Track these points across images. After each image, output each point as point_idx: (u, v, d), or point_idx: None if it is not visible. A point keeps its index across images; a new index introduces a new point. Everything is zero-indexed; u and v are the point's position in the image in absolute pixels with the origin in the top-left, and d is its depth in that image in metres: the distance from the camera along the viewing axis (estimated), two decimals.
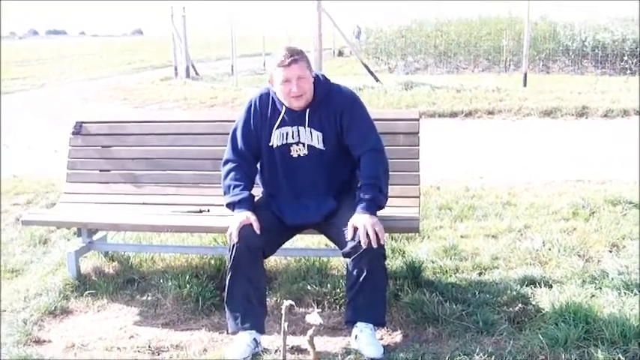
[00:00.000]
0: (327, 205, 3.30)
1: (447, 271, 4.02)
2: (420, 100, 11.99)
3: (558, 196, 5.68)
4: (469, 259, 4.23)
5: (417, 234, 4.49)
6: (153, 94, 15.37)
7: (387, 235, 3.79)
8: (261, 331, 3.18)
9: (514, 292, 3.63)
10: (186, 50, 19.00)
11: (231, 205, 3.26)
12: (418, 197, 3.79)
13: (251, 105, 3.37)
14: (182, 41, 18.92)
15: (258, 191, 3.47)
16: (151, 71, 23.84)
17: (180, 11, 19.07)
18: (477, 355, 2.99)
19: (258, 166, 3.44)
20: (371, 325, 3.14)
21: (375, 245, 3.02)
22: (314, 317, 2.72)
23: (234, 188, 3.28)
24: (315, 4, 13.47)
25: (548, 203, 5.41)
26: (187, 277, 3.82)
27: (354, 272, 3.09)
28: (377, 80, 14.75)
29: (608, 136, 9.06)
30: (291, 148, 3.30)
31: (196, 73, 19.58)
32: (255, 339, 3.13)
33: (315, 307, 3.58)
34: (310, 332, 2.78)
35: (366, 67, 15.84)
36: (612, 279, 3.74)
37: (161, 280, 3.91)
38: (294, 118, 3.28)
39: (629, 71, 17.57)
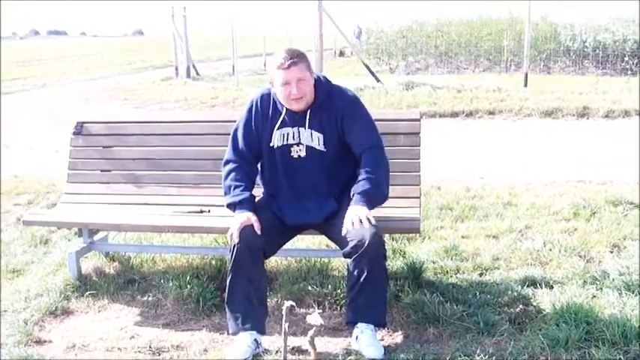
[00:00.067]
0: (328, 206, 3.31)
1: (447, 272, 4.01)
2: (420, 100, 11.99)
3: (559, 196, 5.67)
4: (470, 259, 4.23)
5: (418, 234, 4.48)
6: (154, 94, 15.37)
7: (387, 235, 3.81)
8: (261, 331, 3.18)
9: (515, 293, 3.63)
10: (187, 50, 19.00)
11: (232, 206, 3.26)
12: (419, 197, 3.78)
13: (252, 105, 3.37)
14: (183, 41, 18.92)
15: (258, 191, 3.47)
16: (152, 71, 23.86)
17: (181, 11, 19.09)
18: (478, 355, 2.99)
19: (259, 166, 3.44)
20: (372, 326, 3.14)
21: (366, 226, 3.02)
22: (315, 318, 2.72)
23: (234, 189, 3.28)
24: (316, 4, 13.47)
25: (549, 204, 5.41)
26: (188, 278, 3.82)
27: (355, 273, 3.08)
28: (378, 80, 14.75)
29: (609, 136, 9.05)
30: (292, 149, 3.30)
31: (197, 74, 19.59)
32: (255, 339, 3.13)
33: (316, 307, 3.58)
34: (311, 333, 2.78)
35: (367, 67, 15.84)
36: (613, 280, 3.74)
37: (162, 281, 3.91)
38: (295, 119, 3.28)
39: (629, 72, 17.56)
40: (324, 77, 3.38)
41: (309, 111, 3.27)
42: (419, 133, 3.86)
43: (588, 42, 19.59)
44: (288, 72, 3.15)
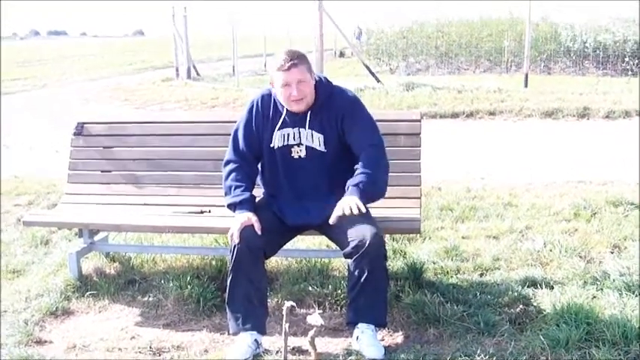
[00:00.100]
0: (329, 206, 3.29)
1: (448, 272, 4.01)
2: (421, 101, 11.99)
3: (559, 197, 5.67)
4: (470, 260, 4.23)
5: (418, 235, 4.48)
6: (154, 94, 15.38)
7: (388, 235, 3.81)
8: (262, 331, 3.18)
9: (515, 293, 3.63)
10: (188, 51, 19.00)
11: (233, 206, 3.26)
12: (419, 198, 3.78)
13: (253, 106, 3.37)
14: (183, 42, 18.92)
15: (258, 192, 3.47)
16: (152, 72, 23.86)
17: (182, 11, 19.09)
18: (478, 356, 2.99)
19: (259, 166, 3.44)
20: (372, 326, 3.14)
21: (355, 212, 3.02)
22: (315, 318, 2.72)
23: (235, 189, 3.28)
24: (316, 4, 13.47)
25: (550, 204, 5.41)
26: (188, 278, 3.82)
27: (356, 273, 3.09)
28: (378, 81, 14.75)
29: (609, 137, 9.05)
30: (292, 149, 3.30)
31: (197, 74, 19.59)
32: (256, 340, 3.13)
33: (317, 308, 3.58)
34: (311, 333, 2.78)
35: (368, 68, 15.84)
36: (613, 280, 3.74)
37: (162, 281, 3.91)
38: (296, 119, 3.28)
39: (630, 72, 17.57)
40: (325, 78, 3.38)
41: (309, 112, 3.27)
42: (419, 133, 3.86)
43: (589, 42, 19.59)
44: (288, 73, 3.15)
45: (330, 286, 3.76)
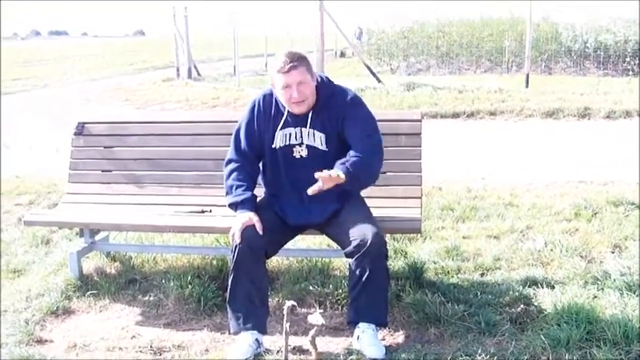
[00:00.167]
0: (331, 206, 3.31)
1: (448, 272, 4.01)
2: (422, 101, 11.99)
3: (560, 197, 5.67)
4: (471, 259, 4.23)
5: (419, 235, 4.48)
6: (155, 94, 15.38)
7: (388, 235, 3.81)
8: (263, 331, 3.18)
9: (516, 293, 3.63)
10: (189, 51, 19.00)
11: (234, 206, 3.26)
12: (420, 198, 3.78)
13: (254, 105, 3.37)
14: (184, 42, 18.92)
15: (259, 191, 3.47)
16: (153, 72, 23.87)
17: (183, 11, 19.09)
18: (479, 355, 2.99)
19: (261, 166, 3.44)
20: (373, 326, 3.14)
21: (333, 176, 2.97)
22: (316, 318, 2.72)
23: (236, 188, 3.28)
24: (316, 4, 13.47)
25: (551, 204, 5.41)
26: (189, 278, 3.82)
27: (357, 272, 3.09)
28: (379, 81, 14.75)
29: (610, 137, 9.05)
30: (294, 149, 3.30)
31: (198, 74, 19.59)
32: (257, 339, 3.13)
33: (317, 307, 3.58)
34: (312, 333, 2.79)
35: (368, 68, 15.84)
36: (614, 280, 3.73)
37: (163, 281, 3.92)
38: (298, 119, 3.28)
39: (631, 72, 17.57)
40: (326, 77, 3.38)
41: (311, 111, 3.27)
42: (420, 133, 3.86)
43: (589, 43, 19.58)
44: (289, 75, 3.15)
45: (330, 286, 3.76)
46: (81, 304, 3.77)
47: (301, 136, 3.28)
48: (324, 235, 3.52)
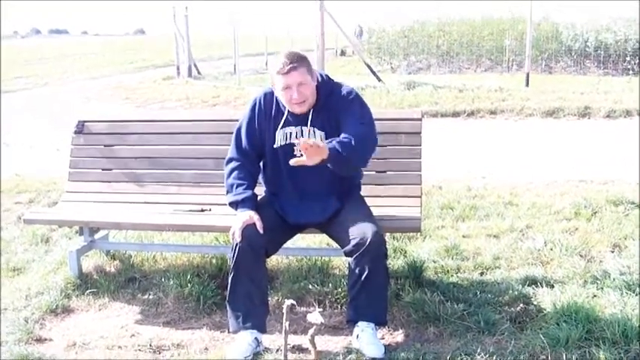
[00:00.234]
0: (331, 205, 3.31)
1: (448, 271, 4.01)
2: (422, 99, 11.98)
3: (560, 196, 5.67)
4: (471, 258, 4.23)
5: (419, 234, 4.48)
6: (155, 93, 15.37)
7: (388, 234, 3.80)
8: (262, 330, 3.18)
9: (516, 292, 3.63)
10: (189, 49, 18.99)
11: (234, 204, 3.26)
12: (420, 197, 3.78)
13: (255, 104, 3.37)
14: (184, 40, 18.91)
15: (259, 190, 3.47)
16: (153, 70, 23.84)
17: (183, 10, 19.09)
18: (479, 354, 2.99)
19: (261, 164, 3.44)
20: (372, 325, 3.14)
21: (310, 142, 2.88)
22: (315, 316, 2.72)
23: (237, 187, 3.28)
24: (317, 3, 13.47)
25: (550, 203, 5.40)
26: (189, 276, 3.82)
27: (356, 271, 3.09)
28: (379, 80, 14.75)
29: (610, 136, 9.05)
30: (295, 147, 3.30)
31: (198, 72, 19.59)
32: (256, 338, 3.13)
33: (317, 306, 3.58)
34: (311, 331, 2.78)
35: (369, 66, 15.84)
36: (614, 279, 3.73)
37: (162, 279, 3.92)
38: (298, 118, 3.28)
39: (631, 72, 17.55)
40: (326, 75, 3.38)
41: (311, 110, 3.26)
42: (420, 132, 3.86)
43: (590, 42, 19.57)
44: (289, 77, 3.15)
45: (330, 285, 3.76)
46: (80, 302, 3.77)
47: (302, 135, 3.28)
48: (323, 234, 3.52)
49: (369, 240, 3.04)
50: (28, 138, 9.71)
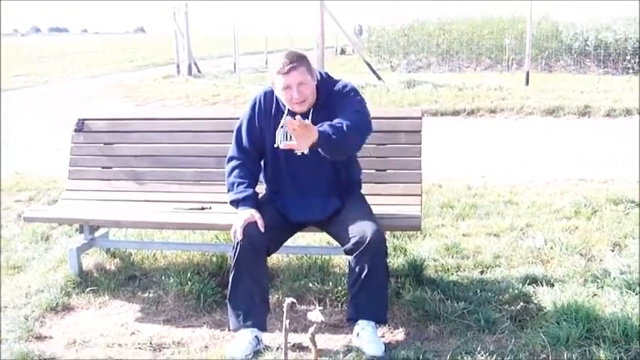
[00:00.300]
0: (332, 203, 3.31)
1: (448, 270, 4.01)
2: (422, 98, 11.98)
3: (560, 194, 5.67)
4: (471, 257, 4.23)
5: (419, 232, 4.48)
6: (155, 91, 15.37)
7: (388, 232, 3.80)
8: (263, 328, 3.18)
9: (516, 291, 3.63)
10: (189, 48, 18.98)
11: (235, 203, 3.26)
12: (420, 195, 3.78)
13: (256, 103, 3.37)
14: (185, 38, 18.90)
15: (260, 188, 3.47)
16: (153, 69, 23.82)
17: (183, 8, 19.08)
18: (479, 353, 2.99)
19: (262, 163, 3.44)
20: (373, 323, 3.14)
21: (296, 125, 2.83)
22: (316, 315, 2.72)
23: (238, 185, 3.28)
24: (317, 3, 13.46)
25: (550, 202, 5.41)
26: (189, 274, 3.82)
27: (356, 269, 3.09)
28: (379, 78, 14.75)
29: (610, 135, 9.05)
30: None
31: (199, 71, 19.58)
32: (256, 336, 3.13)
33: (317, 304, 3.58)
34: (312, 330, 2.78)
35: (369, 65, 15.84)
36: (614, 278, 3.74)
37: (163, 277, 3.92)
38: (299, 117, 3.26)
39: (631, 70, 17.56)
40: (326, 74, 3.37)
41: (312, 109, 3.26)
42: (420, 131, 3.86)
43: (590, 41, 19.56)
44: (289, 77, 3.14)
45: (330, 283, 3.76)
46: (80, 300, 3.77)
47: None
48: (324, 233, 3.52)
49: (369, 238, 3.04)
50: (28, 136, 9.70)
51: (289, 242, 3.54)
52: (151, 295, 3.82)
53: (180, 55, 19.46)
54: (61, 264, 4.20)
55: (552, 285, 3.70)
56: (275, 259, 4.11)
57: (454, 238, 4.50)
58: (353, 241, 3.07)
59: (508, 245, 4.40)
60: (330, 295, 3.67)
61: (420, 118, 3.91)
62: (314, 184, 3.32)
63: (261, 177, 3.47)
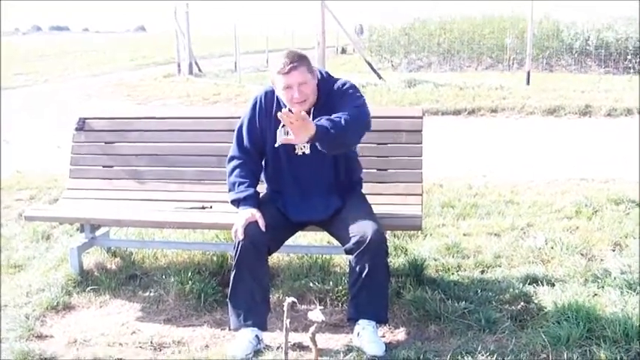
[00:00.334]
0: (333, 202, 3.31)
1: (449, 269, 4.01)
2: (423, 97, 11.98)
3: (561, 194, 5.67)
4: (471, 257, 4.23)
5: (420, 232, 4.48)
6: (156, 90, 15.37)
7: (389, 232, 3.80)
8: (263, 328, 3.18)
9: (516, 291, 3.63)
10: (190, 47, 18.98)
11: (236, 202, 3.26)
12: (421, 195, 3.78)
13: (256, 102, 3.37)
14: (185, 38, 18.90)
15: (261, 188, 3.46)
16: (154, 68, 23.80)
17: (184, 7, 19.07)
18: (479, 353, 2.99)
19: (263, 163, 3.44)
20: (373, 323, 3.14)
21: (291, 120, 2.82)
22: (316, 314, 2.72)
23: (239, 185, 3.28)
24: (318, 3, 13.46)
25: (551, 202, 5.40)
26: (190, 274, 3.82)
27: (357, 269, 3.09)
28: (380, 78, 14.74)
29: (611, 134, 9.05)
30: (296, 146, 3.29)
31: (199, 70, 19.57)
32: (257, 336, 3.13)
33: (318, 304, 3.58)
34: (312, 329, 2.78)
35: (370, 64, 15.83)
36: (615, 278, 3.74)
37: (163, 276, 3.92)
38: None
39: (632, 70, 17.56)
40: (327, 73, 3.37)
41: (312, 108, 3.26)
42: (421, 130, 3.85)
43: (591, 40, 19.55)
44: (289, 76, 3.14)
45: (331, 283, 3.76)
46: (81, 299, 3.77)
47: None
48: (324, 232, 3.52)
49: (369, 238, 3.04)
50: (29, 135, 9.70)
51: (290, 242, 3.55)
52: (151, 294, 3.82)
53: (181, 54, 19.45)
54: (62, 263, 4.20)
55: (553, 285, 3.70)
56: (276, 259, 4.11)
57: (455, 238, 4.50)
58: (353, 240, 3.07)
59: (509, 245, 4.40)
60: (330, 294, 3.67)
61: (421, 118, 3.90)
62: (315, 183, 3.32)
63: (262, 176, 3.47)
